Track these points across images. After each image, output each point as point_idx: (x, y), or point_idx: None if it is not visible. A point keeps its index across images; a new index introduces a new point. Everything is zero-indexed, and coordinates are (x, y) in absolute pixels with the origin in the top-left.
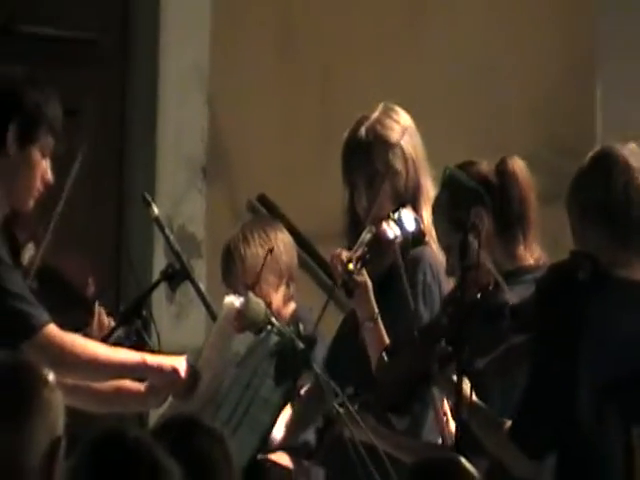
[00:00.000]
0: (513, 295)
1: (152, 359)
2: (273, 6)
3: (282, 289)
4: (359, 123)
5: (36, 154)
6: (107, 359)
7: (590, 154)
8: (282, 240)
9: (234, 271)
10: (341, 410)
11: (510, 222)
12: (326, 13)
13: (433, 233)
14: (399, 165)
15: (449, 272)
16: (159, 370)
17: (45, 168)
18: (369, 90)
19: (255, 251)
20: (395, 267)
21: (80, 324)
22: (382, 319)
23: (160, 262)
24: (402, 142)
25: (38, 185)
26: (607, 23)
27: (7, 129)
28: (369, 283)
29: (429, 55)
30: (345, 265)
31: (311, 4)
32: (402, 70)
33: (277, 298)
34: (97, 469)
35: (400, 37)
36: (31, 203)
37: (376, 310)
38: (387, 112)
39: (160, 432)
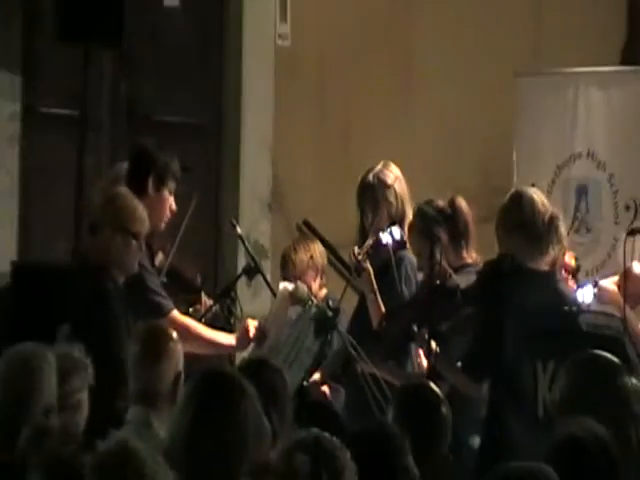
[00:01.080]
0: (460, 280)
1: (231, 338)
2: (312, 96)
3: (318, 280)
4: (368, 172)
5: (166, 194)
6: (208, 338)
7: (509, 193)
8: (316, 250)
9: (288, 268)
10: (356, 354)
11: (458, 237)
12: (348, 95)
13: None
14: (392, 199)
15: (419, 268)
16: (238, 338)
17: (171, 202)
18: (376, 146)
19: (300, 257)
20: (388, 262)
21: (192, 303)
22: (380, 295)
23: (242, 262)
24: (395, 185)
25: (167, 214)
26: (523, 121)
27: (148, 179)
28: (371, 269)
29: (415, 120)
30: (356, 256)
31: (339, 94)
32: (396, 134)
33: (315, 286)
34: (205, 391)
35: (394, 111)
36: (163, 225)
37: (375, 287)
38: (386, 165)
39: (244, 368)
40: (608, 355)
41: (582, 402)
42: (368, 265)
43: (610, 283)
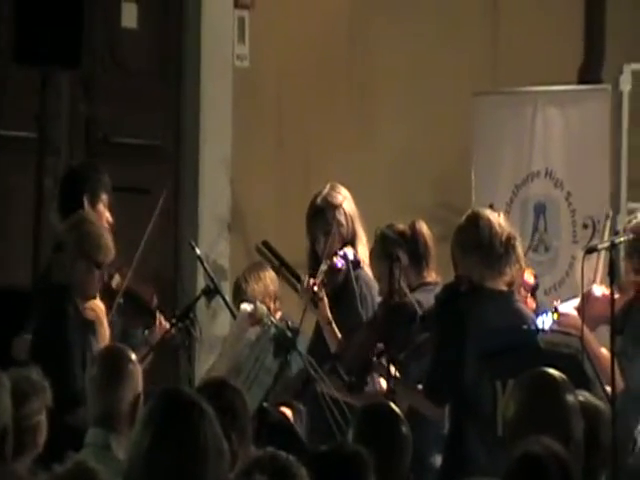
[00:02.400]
0: (420, 297)
1: None
2: (271, 117)
3: (271, 306)
4: (315, 196)
5: (101, 207)
6: None
7: (466, 214)
8: (267, 277)
9: (240, 297)
10: (315, 374)
11: (418, 258)
12: (307, 116)
13: (366, 261)
14: (343, 220)
15: (380, 292)
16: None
17: (107, 215)
18: (334, 166)
19: (252, 286)
20: (344, 284)
21: (148, 325)
22: (337, 317)
23: (201, 284)
24: (344, 205)
25: (105, 225)
26: (481, 140)
27: (82, 196)
28: (326, 299)
29: (373, 140)
30: (311, 287)
31: (297, 116)
32: (355, 154)
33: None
34: (163, 412)
35: (353, 132)
36: None
37: (330, 317)
38: (333, 187)
39: (203, 388)
40: (553, 371)
41: (529, 419)
42: (324, 295)
43: (570, 308)
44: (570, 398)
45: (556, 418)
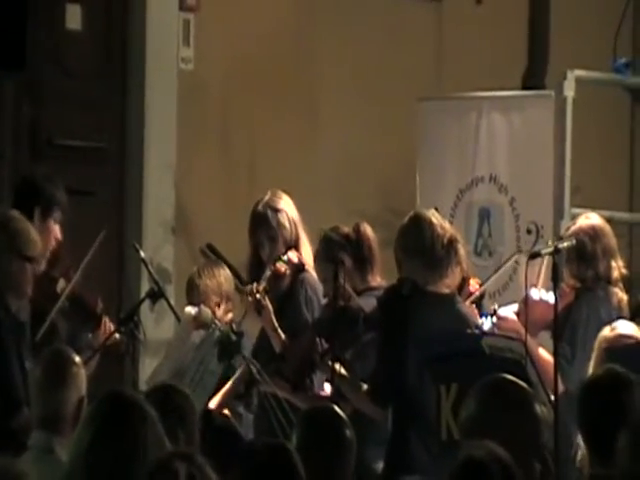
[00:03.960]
0: (364, 303)
1: None
2: (216, 120)
3: (223, 305)
4: (257, 204)
5: (51, 223)
6: None
7: (408, 215)
8: (223, 275)
9: (193, 294)
10: (259, 376)
11: (363, 261)
12: (252, 119)
13: (311, 264)
14: (286, 223)
15: (325, 294)
16: None
17: (56, 232)
18: (279, 170)
19: (205, 282)
20: (289, 288)
21: (93, 329)
22: (283, 320)
23: (145, 287)
24: (286, 209)
25: (52, 243)
26: (426, 145)
27: (34, 209)
28: (270, 306)
29: (319, 144)
30: (255, 294)
31: (242, 119)
32: (300, 158)
33: (220, 311)
34: (104, 415)
35: (298, 136)
36: (48, 252)
37: (275, 323)
38: (273, 194)
39: (151, 393)
40: (520, 382)
41: (491, 427)
42: (267, 302)
43: (509, 312)
44: (539, 410)
45: (522, 430)
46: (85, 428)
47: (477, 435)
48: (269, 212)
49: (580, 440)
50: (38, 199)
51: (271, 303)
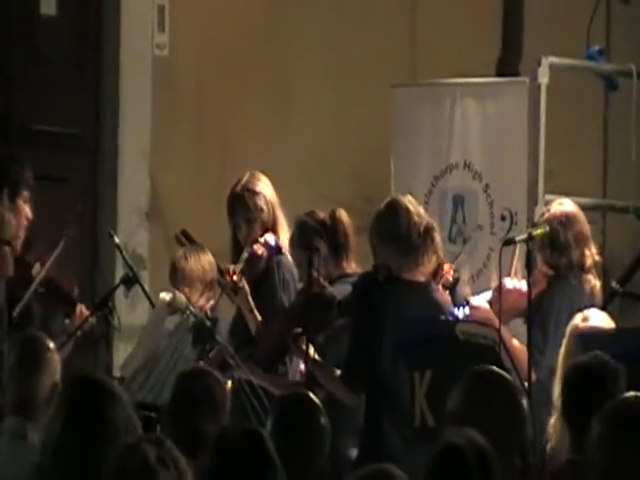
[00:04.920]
0: (339, 290)
1: None
2: (190, 107)
3: (205, 292)
4: (235, 184)
5: (20, 203)
6: None
7: (385, 201)
8: (208, 261)
9: (176, 277)
10: (232, 361)
11: (338, 247)
12: (226, 105)
13: (287, 248)
14: (264, 206)
15: (299, 279)
16: None
17: (27, 211)
18: (253, 156)
19: (190, 266)
20: (266, 270)
21: (68, 314)
22: (258, 303)
23: (120, 272)
24: (264, 191)
25: (24, 222)
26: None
27: (2, 190)
28: (247, 287)
29: (292, 131)
30: (231, 276)
31: (216, 105)
32: (274, 144)
33: (201, 297)
34: (73, 398)
35: (272, 123)
36: (22, 232)
37: (252, 304)
38: (252, 175)
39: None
40: (507, 375)
41: (476, 420)
42: (244, 284)
43: (482, 300)
44: (526, 405)
45: (508, 424)
46: (55, 413)
47: (462, 424)
48: (247, 194)
49: (551, 427)
50: (4, 180)
51: (248, 285)
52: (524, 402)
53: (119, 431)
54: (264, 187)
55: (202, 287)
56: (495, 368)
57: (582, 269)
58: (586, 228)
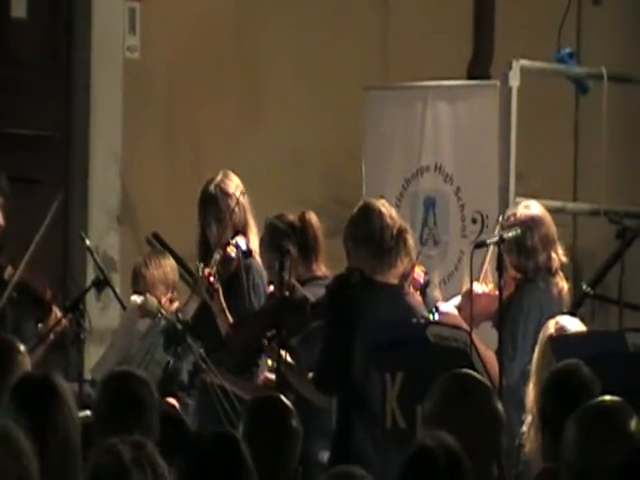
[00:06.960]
0: (309, 292)
1: None
2: (161, 109)
3: (169, 294)
4: (208, 184)
5: None
6: None
7: (358, 205)
8: (168, 264)
9: (138, 282)
10: (204, 364)
11: (308, 250)
12: (197, 108)
13: (257, 250)
14: (235, 208)
15: (269, 282)
16: None
17: (0, 218)
18: (225, 158)
19: (151, 271)
20: (236, 272)
21: (41, 318)
22: (228, 305)
23: (91, 275)
24: (237, 193)
25: None
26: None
27: None
28: (220, 290)
29: (264, 133)
30: (207, 277)
31: (187, 107)
32: (245, 147)
33: (165, 300)
34: (20, 399)
35: (243, 125)
36: None
37: (224, 306)
38: (225, 175)
39: (106, 380)
40: (484, 380)
41: (452, 425)
42: (219, 286)
43: (450, 307)
44: (502, 411)
45: (483, 428)
46: (5, 413)
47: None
48: (219, 194)
49: (525, 432)
50: None
51: None
52: (500, 407)
53: (59, 432)
54: (237, 188)
55: (165, 290)
56: (472, 372)
57: (549, 272)
58: (552, 230)
